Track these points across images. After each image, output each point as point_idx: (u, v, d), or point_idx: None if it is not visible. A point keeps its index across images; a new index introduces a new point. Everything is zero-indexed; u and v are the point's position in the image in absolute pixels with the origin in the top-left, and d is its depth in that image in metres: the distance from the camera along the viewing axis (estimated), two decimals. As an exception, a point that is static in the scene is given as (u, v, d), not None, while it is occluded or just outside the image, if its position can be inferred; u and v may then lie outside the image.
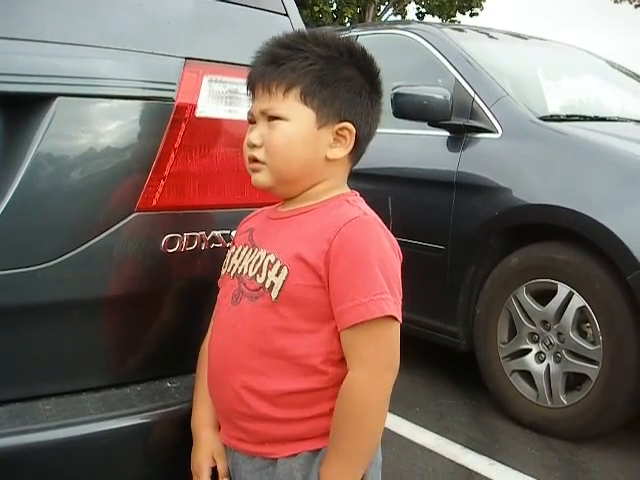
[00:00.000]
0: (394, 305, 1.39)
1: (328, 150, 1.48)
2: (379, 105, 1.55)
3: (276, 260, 1.45)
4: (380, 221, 1.46)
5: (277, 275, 1.44)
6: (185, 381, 1.69)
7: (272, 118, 1.45)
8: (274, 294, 1.43)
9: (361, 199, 1.54)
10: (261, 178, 1.49)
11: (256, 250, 1.52)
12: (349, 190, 1.56)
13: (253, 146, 1.47)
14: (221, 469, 1.57)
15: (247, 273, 1.50)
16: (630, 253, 3.22)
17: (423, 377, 4.25)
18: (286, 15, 1.90)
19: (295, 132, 1.45)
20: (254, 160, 1.48)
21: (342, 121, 1.48)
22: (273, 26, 1.86)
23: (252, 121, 1.50)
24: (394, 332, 1.43)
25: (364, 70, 1.51)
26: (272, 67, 1.45)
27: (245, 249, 1.55)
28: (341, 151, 1.49)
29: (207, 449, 1.58)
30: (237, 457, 1.54)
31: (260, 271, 1.47)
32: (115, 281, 1.60)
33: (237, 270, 1.53)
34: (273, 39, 1.51)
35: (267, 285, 1.45)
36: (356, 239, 1.40)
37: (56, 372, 1.59)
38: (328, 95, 1.45)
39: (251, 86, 1.50)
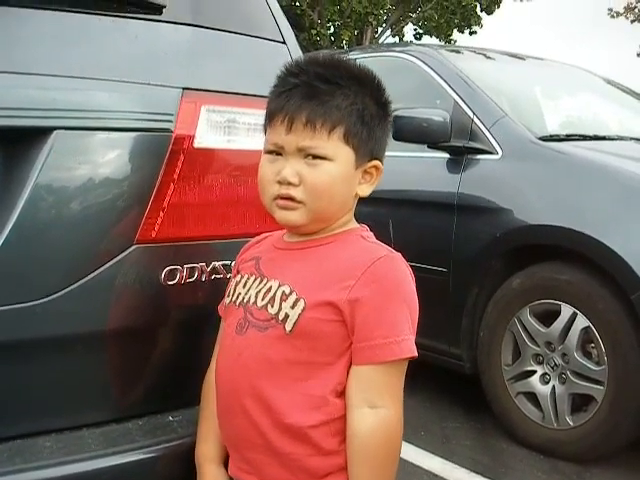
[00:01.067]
0: (413, 345, 1.42)
1: (358, 187, 1.49)
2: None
3: (291, 292, 1.43)
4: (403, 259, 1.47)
5: (292, 307, 1.42)
6: (187, 414, 1.67)
7: (313, 156, 1.42)
8: (288, 326, 1.41)
9: (372, 234, 1.54)
10: (294, 217, 1.45)
11: (266, 280, 1.49)
12: (356, 222, 1.56)
13: (288, 184, 1.43)
14: None
15: (255, 302, 1.48)
16: (633, 272, 3.20)
17: (427, 400, 4.22)
18: (284, 43, 1.89)
19: (339, 173, 1.43)
20: (289, 199, 1.43)
21: (373, 159, 1.48)
22: (271, 54, 1.86)
23: (274, 152, 1.46)
24: (405, 368, 1.46)
25: (383, 104, 1.51)
26: (315, 102, 1.41)
27: (252, 278, 1.53)
28: (369, 187, 1.50)
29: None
30: None
31: (272, 302, 1.45)
32: (115, 314, 1.58)
33: (243, 299, 1.51)
34: (304, 67, 1.47)
35: (281, 317, 1.43)
36: (388, 277, 1.41)
37: (56, 408, 1.57)
38: (367, 135, 1.45)
39: (285, 118, 1.42)
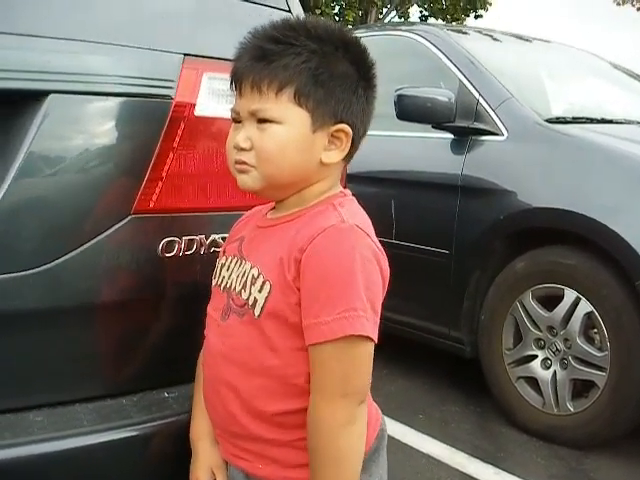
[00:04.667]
0: (365, 322, 1.28)
1: (323, 154, 1.38)
2: (374, 101, 1.44)
3: (259, 275, 1.37)
4: (361, 228, 1.33)
5: (260, 291, 1.35)
6: (183, 391, 1.62)
7: (263, 120, 1.34)
8: (257, 311, 1.35)
9: (351, 200, 1.43)
10: (249, 182, 1.38)
11: (243, 262, 1.43)
12: (340, 190, 1.46)
13: (241, 149, 1.36)
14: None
15: (235, 287, 1.42)
16: (639, 257, 3.16)
17: (427, 383, 4.19)
18: (289, 11, 1.84)
19: (289, 137, 1.34)
20: (242, 163, 1.37)
21: (338, 122, 1.37)
22: (275, 22, 1.81)
23: (237, 120, 1.39)
24: (363, 353, 1.31)
25: (360, 65, 1.40)
26: (262, 63, 1.33)
27: (234, 261, 1.47)
28: (337, 154, 1.39)
29: (206, 462, 1.52)
30: (233, 471, 1.49)
31: (245, 286, 1.39)
32: (110, 286, 1.55)
33: (226, 284, 1.46)
34: (260, 31, 1.38)
35: (250, 301, 1.37)
36: (325, 250, 1.29)
37: (48, 382, 1.53)
38: (323, 95, 1.34)
39: (237, 82, 1.37)
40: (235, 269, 1.45)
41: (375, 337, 1.30)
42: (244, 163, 1.37)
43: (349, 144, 1.39)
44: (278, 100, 1.33)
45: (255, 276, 1.37)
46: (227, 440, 1.47)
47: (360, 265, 1.29)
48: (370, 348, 1.32)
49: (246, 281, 1.39)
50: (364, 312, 1.27)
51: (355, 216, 1.37)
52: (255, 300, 1.36)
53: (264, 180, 1.37)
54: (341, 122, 1.37)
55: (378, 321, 1.31)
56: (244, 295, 1.39)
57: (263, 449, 1.40)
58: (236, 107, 1.38)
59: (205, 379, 1.50)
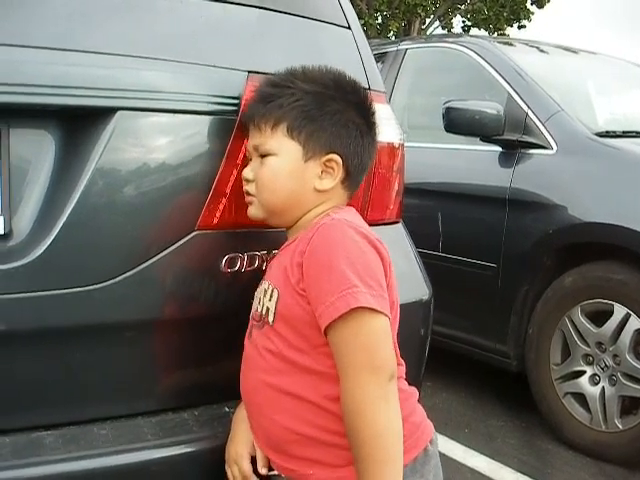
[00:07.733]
0: (369, 297, 1.32)
1: (317, 181, 1.49)
2: (371, 136, 1.55)
3: (269, 286, 1.47)
4: (352, 220, 1.43)
5: (270, 300, 1.45)
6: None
7: (264, 155, 1.48)
8: (270, 318, 1.44)
9: (346, 209, 1.52)
10: (253, 211, 1.52)
11: (262, 283, 1.52)
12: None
13: (247, 181, 1.51)
14: (261, 458, 1.51)
15: (255, 308, 1.51)
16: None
17: (471, 398, 4.17)
18: (348, 28, 1.85)
19: (281, 166, 1.47)
20: (247, 194, 1.51)
21: (329, 153, 1.48)
22: (336, 39, 1.82)
23: (249, 157, 1.53)
24: (376, 326, 1.35)
25: (352, 102, 1.52)
26: (261, 105, 1.49)
27: (260, 285, 1.54)
28: (329, 182, 1.50)
29: (247, 435, 1.53)
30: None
31: (260, 301, 1.49)
32: (173, 301, 1.56)
33: (254, 306, 1.54)
34: (265, 78, 1.55)
35: (263, 312, 1.46)
36: (320, 245, 1.38)
37: (111, 394, 1.55)
38: (314, 129, 1.47)
39: (245, 124, 1.54)
40: (257, 293, 1.53)
41: (384, 310, 1.35)
42: (249, 194, 1.51)
43: (341, 173, 1.50)
44: (274, 135, 1.48)
45: (266, 289, 1.47)
46: (274, 454, 1.47)
47: (354, 248, 1.37)
48: (383, 322, 1.36)
49: (261, 297, 1.48)
50: (367, 288, 1.33)
51: (345, 215, 1.46)
52: (267, 309, 1.44)
53: (263, 207, 1.50)
54: (332, 153, 1.48)
55: (387, 297, 1.37)
56: (260, 309, 1.47)
57: (307, 452, 1.42)
58: (247, 147, 1.53)
59: (244, 401, 1.53)
